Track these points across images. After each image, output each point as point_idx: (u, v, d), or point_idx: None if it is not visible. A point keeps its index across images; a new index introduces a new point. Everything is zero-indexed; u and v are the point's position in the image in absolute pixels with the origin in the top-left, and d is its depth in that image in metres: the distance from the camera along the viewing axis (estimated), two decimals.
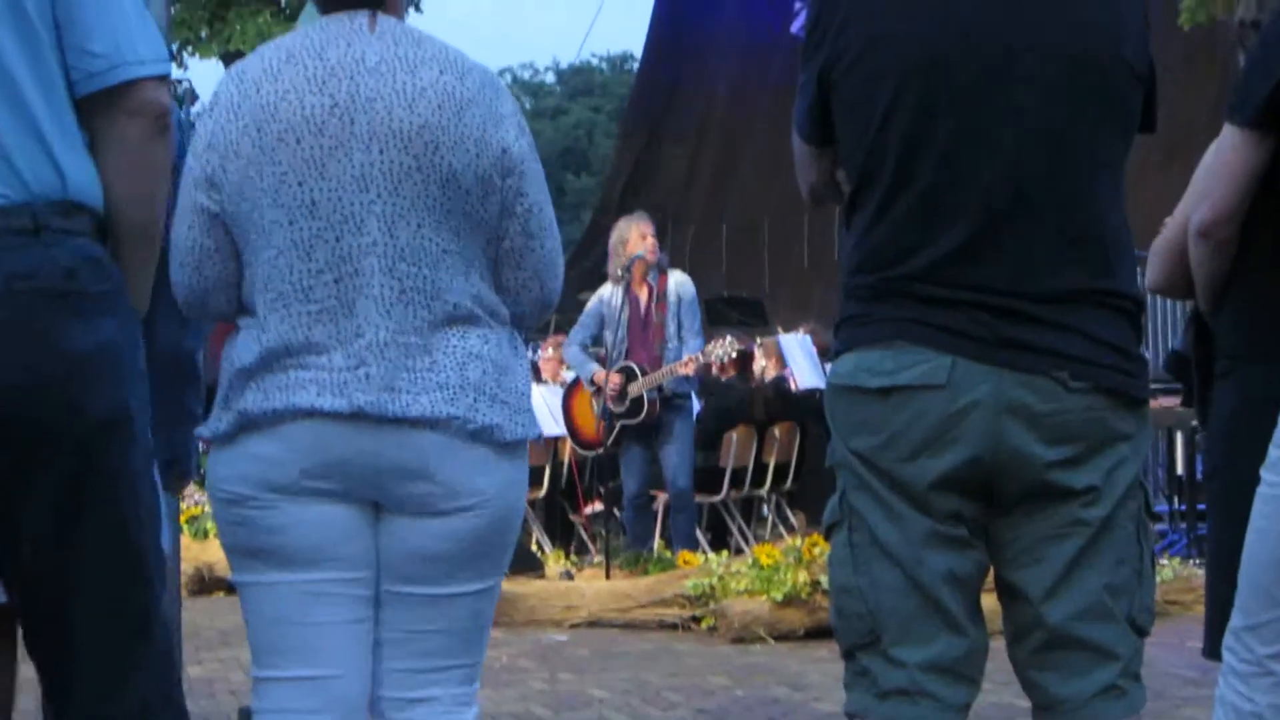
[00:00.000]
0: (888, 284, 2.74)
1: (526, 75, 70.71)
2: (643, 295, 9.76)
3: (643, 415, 9.62)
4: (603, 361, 9.78)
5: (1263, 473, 3.12)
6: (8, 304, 2.38)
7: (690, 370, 9.59)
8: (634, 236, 9.68)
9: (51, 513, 2.48)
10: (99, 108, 2.53)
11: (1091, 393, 2.70)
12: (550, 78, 71.77)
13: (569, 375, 11.18)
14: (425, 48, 2.90)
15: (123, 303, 2.57)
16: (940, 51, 2.70)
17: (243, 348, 2.85)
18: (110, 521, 2.54)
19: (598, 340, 9.94)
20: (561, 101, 66.70)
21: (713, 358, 9.81)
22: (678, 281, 9.82)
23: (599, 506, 11.04)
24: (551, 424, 10.35)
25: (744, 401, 11.61)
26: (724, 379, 11.20)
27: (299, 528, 2.85)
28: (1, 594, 2.68)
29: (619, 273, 9.65)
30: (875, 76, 2.73)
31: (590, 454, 10.37)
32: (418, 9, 23.40)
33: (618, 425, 9.68)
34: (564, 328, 14.40)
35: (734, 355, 10.18)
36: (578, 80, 67.67)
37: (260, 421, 2.81)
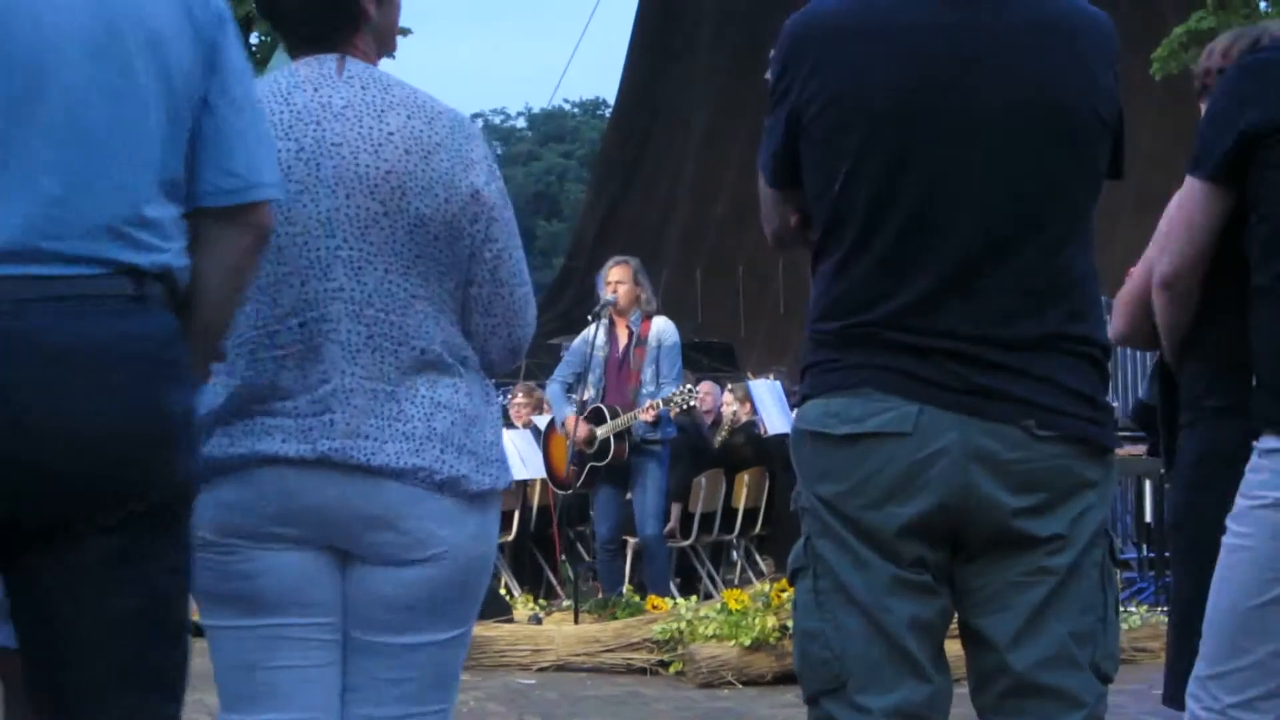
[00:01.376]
0: (855, 331, 2.74)
1: (498, 120, 70.85)
2: (622, 338, 9.77)
3: (609, 458, 9.60)
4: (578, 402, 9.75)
5: (1228, 522, 3.12)
6: (121, 360, 2.44)
7: (649, 417, 9.53)
8: (605, 282, 9.71)
9: (113, 561, 2.48)
10: (219, 217, 2.59)
11: (1058, 441, 2.71)
12: (522, 123, 71.94)
13: (539, 420, 11.16)
14: (393, 93, 2.90)
15: (192, 377, 2.63)
16: (909, 102, 2.70)
17: (212, 392, 2.85)
18: (159, 578, 2.53)
19: (582, 378, 9.91)
20: (533, 147, 66.81)
21: (672, 406, 9.77)
22: (660, 327, 9.80)
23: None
24: (521, 468, 10.32)
25: (702, 443, 11.57)
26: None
27: (266, 574, 2.85)
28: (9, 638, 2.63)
29: (591, 316, 9.66)
30: (843, 125, 2.73)
31: (564, 492, 10.35)
32: (389, 54, 23.38)
33: (587, 466, 9.67)
34: (534, 373, 14.38)
35: (691, 404, 10.14)
36: (549, 125, 67.80)
37: (226, 467, 2.81)
